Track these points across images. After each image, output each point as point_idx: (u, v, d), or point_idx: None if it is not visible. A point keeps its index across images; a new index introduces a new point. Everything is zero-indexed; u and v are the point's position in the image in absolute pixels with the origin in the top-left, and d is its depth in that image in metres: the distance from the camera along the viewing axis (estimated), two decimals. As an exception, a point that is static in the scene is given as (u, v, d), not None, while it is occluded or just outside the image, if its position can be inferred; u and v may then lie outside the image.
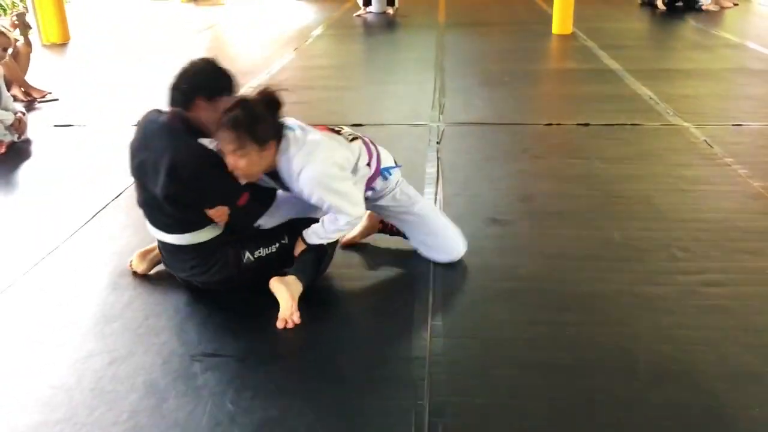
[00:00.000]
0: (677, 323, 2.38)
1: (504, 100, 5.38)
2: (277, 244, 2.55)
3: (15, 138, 4.42)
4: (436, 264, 2.77)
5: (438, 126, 4.66)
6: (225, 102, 2.33)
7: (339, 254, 2.83)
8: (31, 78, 5.74)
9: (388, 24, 9.61)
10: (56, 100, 5.60)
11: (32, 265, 2.86)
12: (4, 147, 4.30)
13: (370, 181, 2.59)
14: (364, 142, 2.59)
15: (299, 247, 2.53)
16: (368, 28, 9.51)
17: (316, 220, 2.52)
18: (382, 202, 2.71)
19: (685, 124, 4.58)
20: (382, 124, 4.78)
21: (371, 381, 2.12)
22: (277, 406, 2.01)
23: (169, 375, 2.16)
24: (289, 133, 2.38)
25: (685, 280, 2.64)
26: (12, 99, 4.80)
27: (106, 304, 2.55)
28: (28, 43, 5.81)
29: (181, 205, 2.37)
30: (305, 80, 6.27)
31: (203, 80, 2.39)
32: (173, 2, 12.74)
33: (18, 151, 4.36)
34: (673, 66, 6.61)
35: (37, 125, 4.80)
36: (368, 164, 2.55)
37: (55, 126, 4.88)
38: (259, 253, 2.51)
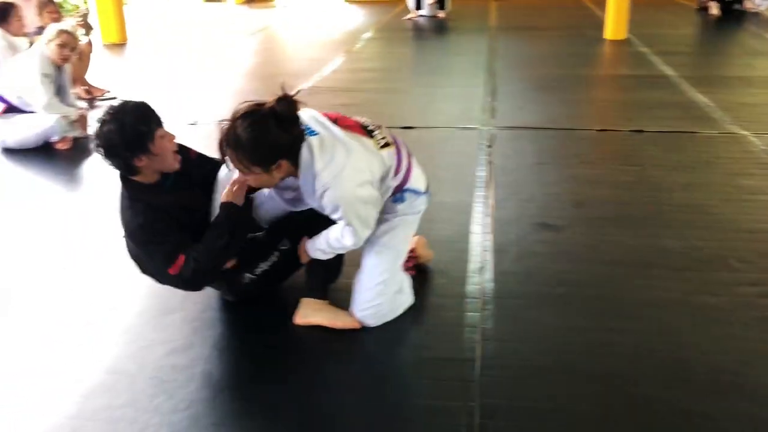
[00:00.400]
0: (735, 334, 2.33)
1: (556, 104, 5.34)
2: (277, 252, 2.40)
3: (77, 134, 4.57)
4: (488, 267, 2.78)
5: (489, 129, 4.65)
6: (162, 134, 2.18)
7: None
8: (91, 77, 5.93)
9: (438, 27, 9.62)
10: (115, 98, 5.77)
11: (93, 256, 2.97)
12: (68, 142, 4.46)
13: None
14: (398, 152, 2.28)
15: (305, 256, 2.38)
16: (419, 31, 9.53)
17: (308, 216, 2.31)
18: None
19: (744, 132, 4.48)
20: (432, 127, 4.80)
21: (422, 381, 2.15)
22: (328, 403, 2.05)
23: (225, 367, 2.22)
24: (313, 141, 2.07)
25: (743, 291, 2.59)
26: (75, 97, 4.98)
27: (165, 296, 2.62)
28: (89, 43, 6.00)
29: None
30: (356, 83, 6.33)
31: (129, 141, 2.13)
32: (227, 4, 12.99)
33: (80, 147, 4.51)
34: (731, 73, 6.46)
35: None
36: (393, 178, 2.28)
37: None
38: (260, 268, 2.39)
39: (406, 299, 2.47)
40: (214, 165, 2.38)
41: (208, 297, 2.59)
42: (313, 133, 2.10)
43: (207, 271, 2.23)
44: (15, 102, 4.42)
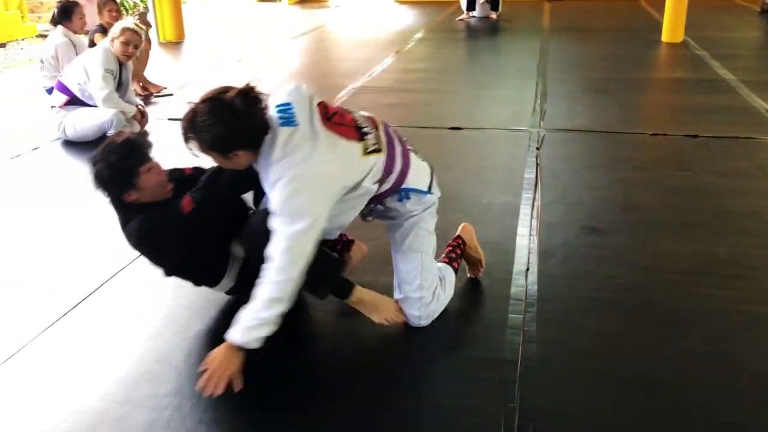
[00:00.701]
0: (786, 346, 2.27)
1: (608, 108, 5.25)
2: None
3: (135, 129, 4.71)
4: (533, 270, 2.76)
5: (538, 132, 4.61)
6: (147, 168, 2.22)
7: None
8: (148, 73, 6.09)
9: (491, 28, 9.57)
10: (171, 95, 5.92)
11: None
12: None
13: (380, 196, 2.24)
14: (389, 156, 2.19)
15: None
16: (471, 32, 9.49)
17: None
18: (388, 222, 2.40)
19: (804, 139, 4.34)
20: (481, 128, 4.78)
21: (462, 381, 2.14)
22: (368, 399, 2.07)
23: (271, 357, 2.25)
24: (283, 132, 2.00)
25: (797, 302, 2.51)
26: (134, 93, 5.12)
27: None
28: (148, 41, 6.15)
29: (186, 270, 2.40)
30: (405, 83, 6.34)
31: (116, 178, 2.21)
32: (281, 4, 13.16)
33: (135, 142, 4.65)
34: (793, 78, 6.25)
35: (152, 118, 5.09)
36: (378, 182, 2.18)
37: (169, 119, 5.16)
38: None
39: (449, 292, 2.48)
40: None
41: (253, 291, 2.63)
42: (291, 123, 2.02)
43: (211, 195, 2.25)
44: (78, 94, 4.58)
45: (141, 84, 5.92)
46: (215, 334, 2.37)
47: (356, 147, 2.11)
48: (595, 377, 2.14)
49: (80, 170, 4.27)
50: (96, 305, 2.63)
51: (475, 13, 10.06)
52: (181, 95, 5.89)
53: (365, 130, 2.16)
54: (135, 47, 4.62)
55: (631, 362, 2.21)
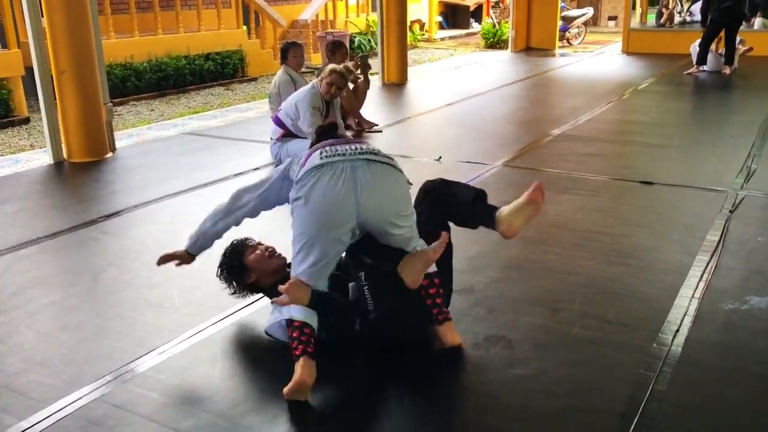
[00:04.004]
0: None
1: (832, 175, 4.75)
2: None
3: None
4: (683, 332, 2.66)
5: (737, 193, 4.32)
6: (250, 251, 2.67)
7: (583, 302, 2.86)
8: (365, 111, 6.65)
9: (720, 84, 8.98)
10: (380, 131, 6.42)
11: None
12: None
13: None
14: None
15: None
16: (697, 86, 8.99)
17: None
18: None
19: None
20: (674, 185, 4.58)
21: (570, 424, 2.16)
22: None
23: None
24: None
25: None
26: (344, 127, 5.66)
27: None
28: (366, 81, 6.73)
29: None
30: (606, 133, 6.24)
31: (232, 272, 2.69)
32: (506, 51, 13.46)
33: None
34: None
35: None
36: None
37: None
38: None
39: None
40: None
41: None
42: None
43: None
44: (291, 128, 5.19)
45: (357, 120, 6.49)
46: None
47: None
48: (716, 448, 2.04)
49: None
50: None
51: (705, 67, 9.52)
52: (388, 133, 6.36)
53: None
54: (338, 89, 5.14)
55: (764, 440, 2.07)
